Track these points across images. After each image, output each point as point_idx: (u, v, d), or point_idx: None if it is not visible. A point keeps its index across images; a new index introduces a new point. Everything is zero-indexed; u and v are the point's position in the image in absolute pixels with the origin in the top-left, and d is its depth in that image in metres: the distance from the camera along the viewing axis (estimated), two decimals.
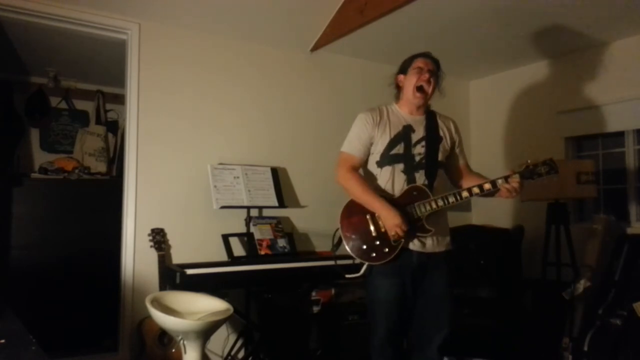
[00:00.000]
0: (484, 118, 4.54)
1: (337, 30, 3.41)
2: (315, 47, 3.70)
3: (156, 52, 3.24)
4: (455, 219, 3.23)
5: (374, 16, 3.08)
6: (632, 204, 3.55)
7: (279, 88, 3.68)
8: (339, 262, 2.23)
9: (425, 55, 2.31)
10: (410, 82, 2.25)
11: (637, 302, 2.82)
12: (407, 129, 2.24)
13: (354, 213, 2.18)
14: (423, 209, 2.12)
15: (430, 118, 2.30)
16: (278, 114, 3.67)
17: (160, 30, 3.26)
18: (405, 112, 2.30)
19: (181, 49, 3.33)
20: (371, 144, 2.25)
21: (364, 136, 2.24)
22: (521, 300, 3.63)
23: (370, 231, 2.14)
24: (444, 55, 4.09)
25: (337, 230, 2.21)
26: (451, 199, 2.11)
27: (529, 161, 2.11)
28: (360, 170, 2.30)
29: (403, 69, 2.32)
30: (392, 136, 2.22)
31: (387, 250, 2.12)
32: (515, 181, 2.08)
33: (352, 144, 2.26)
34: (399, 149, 2.20)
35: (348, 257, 2.18)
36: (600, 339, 2.93)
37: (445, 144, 2.29)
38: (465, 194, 2.11)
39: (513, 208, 4.12)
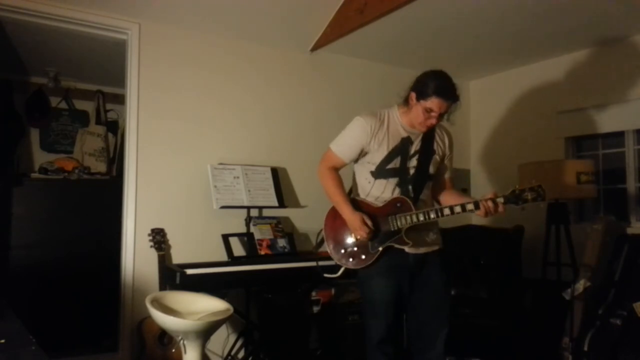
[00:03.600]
0: (484, 118, 4.53)
1: (337, 30, 3.41)
2: (315, 47, 3.70)
3: (156, 52, 3.24)
4: (455, 219, 3.21)
5: (374, 16, 3.07)
6: (632, 204, 3.55)
7: (279, 88, 3.68)
8: (321, 263, 2.33)
9: (446, 97, 2.06)
10: (417, 115, 2.12)
11: (637, 302, 2.82)
12: (406, 142, 2.20)
13: (338, 217, 2.22)
14: (403, 221, 2.12)
15: (429, 131, 2.23)
16: (278, 114, 3.67)
17: (160, 30, 3.26)
18: (405, 122, 2.22)
19: (181, 49, 3.33)
20: (363, 152, 2.22)
21: (356, 144, 2.21)
22: (521, 300, 3.63)
23: (350, 237, 2.20)
24: (443, 55, 4.11)
25: (321, 230, 2.29)
26: (432, 215, 2.09)
27: (516, 186, 2.09)
28: (361, 169, 2.28)
29: (419, 92, 2.10)
30: (390, 149, 2.18)
31: (364, 257, 2.16)
32: (497, 204, 2.06)
33: (341, 147, 2.25)
34: (396, 163, 2.18)
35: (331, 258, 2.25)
36: (600, 339, 2.93)
37: (437, 156, 2.27)
38: (447, 211, 2.09)
39: (513, 208, 4.11)
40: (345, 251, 2.20)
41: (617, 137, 3.68)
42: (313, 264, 3.05)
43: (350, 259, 2.18)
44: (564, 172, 3.23)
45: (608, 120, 3.61)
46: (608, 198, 3.75)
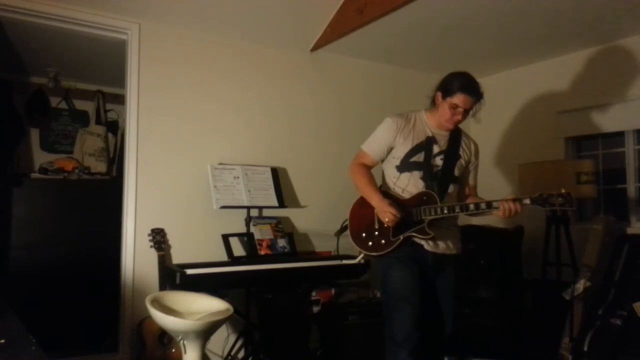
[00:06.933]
0: (484, 118, 4.51)
1: (337, 30, 3.41)
2: (315, 47, 3.70)
3: (156, 52, 3.24)
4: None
5: (374, 16, 3.08)
6: (632, 204, 3.55)
7: (279, 88, 3.68)
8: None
9: (470, 92, 2.21)
10: (444, 112, 2.25)
11: (637, 302, 2.82)
12: (430, 140, 2.30)
13: (365, 205, 2.30)
14: (427, 213, 2.18)
15: (455, 135, 2.34)
16: (278, 114, 3.67)
17: (160, 30, 3.26)
18: (432, 123, 2.34)
19: (181, 49, 3.33)
20: (390, 149, 2.32)
21: (383, 141, 2.32)
22: (521, 300, 3.63)
23: (373, 224, 2.25)
24: (443, 56, 4.10)
25: (345, 220, 2.40)
26: (457, 209, 2.18)
27: (544, 191, 2.14)
28: (387, 166, 2.37)
29: (445, 90, 2.24)
30: (414, 144, 2.28)
31: (383, 242, 2.22)
32: (516, 205, 2.10)
33: (371, 146, 2.37)
34: (419, 157, 2.27)
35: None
36: (600, 339, 2.92)
37: (462, 161, 2.34)
38: (472, 207, 2.18)
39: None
40: (367, 236, 2.26)
41: (617, 137, 3.67)
42: (313, 264, 3.09)
43: (370, 243, 2.25)
44: (564, 172, 3.23)
45: (608, 120, 3.61)
46: (608, 198, 3.75)
